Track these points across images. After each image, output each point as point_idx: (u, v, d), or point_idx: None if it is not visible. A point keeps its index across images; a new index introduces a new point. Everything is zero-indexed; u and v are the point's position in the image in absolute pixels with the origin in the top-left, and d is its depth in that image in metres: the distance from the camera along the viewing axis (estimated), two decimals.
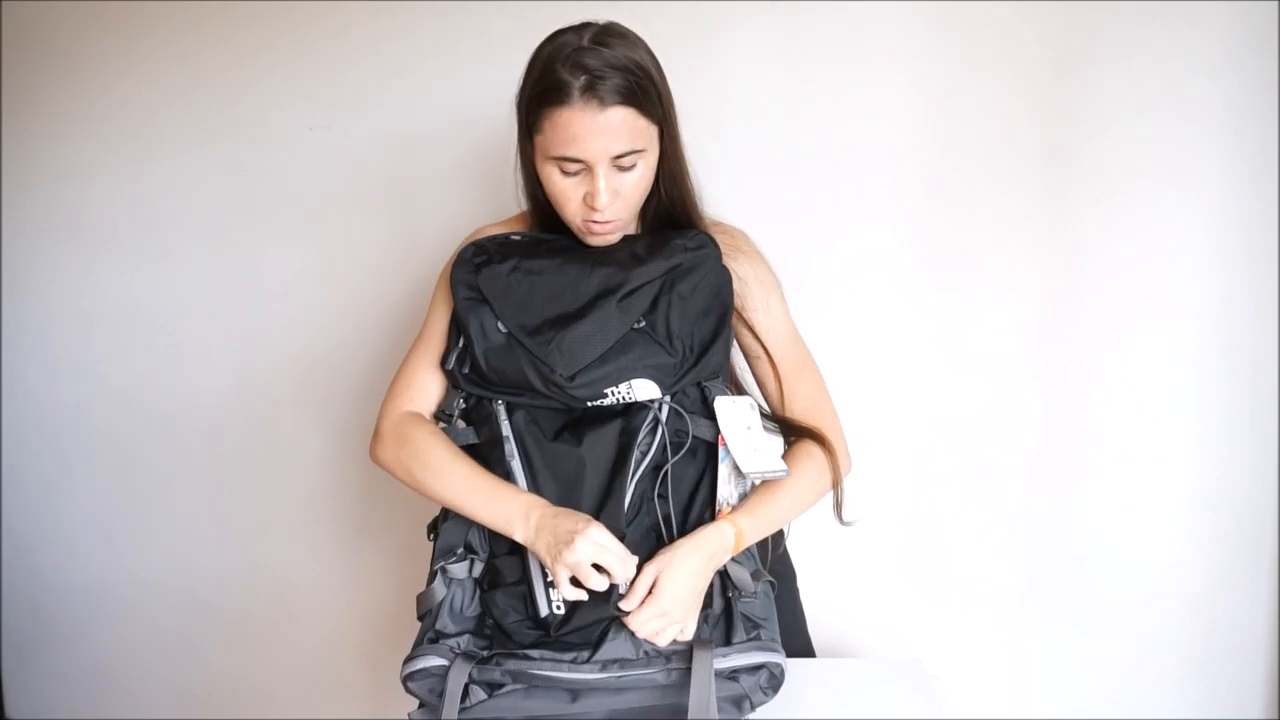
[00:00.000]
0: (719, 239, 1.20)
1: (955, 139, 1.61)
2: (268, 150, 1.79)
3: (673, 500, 1.04)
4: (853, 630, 1.76)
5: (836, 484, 1.20)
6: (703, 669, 0.97)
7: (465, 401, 1.09)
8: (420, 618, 1.07)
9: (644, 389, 1.01)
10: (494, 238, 1.11)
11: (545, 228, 1.18)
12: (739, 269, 1.19)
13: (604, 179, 1.07)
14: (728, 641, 1.02)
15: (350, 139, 1.76)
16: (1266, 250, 1.56)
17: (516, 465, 1.03)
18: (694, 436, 1.05)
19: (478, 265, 1.06)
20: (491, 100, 1.69)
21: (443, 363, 1.09)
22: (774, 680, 1.03)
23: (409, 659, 1.03)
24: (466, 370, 1.06)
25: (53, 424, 1.97)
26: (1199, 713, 1.71)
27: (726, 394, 1.07)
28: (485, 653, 1.02)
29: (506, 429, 1.04)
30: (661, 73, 1.11)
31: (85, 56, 1.81)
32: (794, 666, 1.22)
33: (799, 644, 1.35)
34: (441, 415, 1.09)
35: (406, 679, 1.03)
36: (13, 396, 1.97)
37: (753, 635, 1.03)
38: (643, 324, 1.02)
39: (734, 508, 1.09)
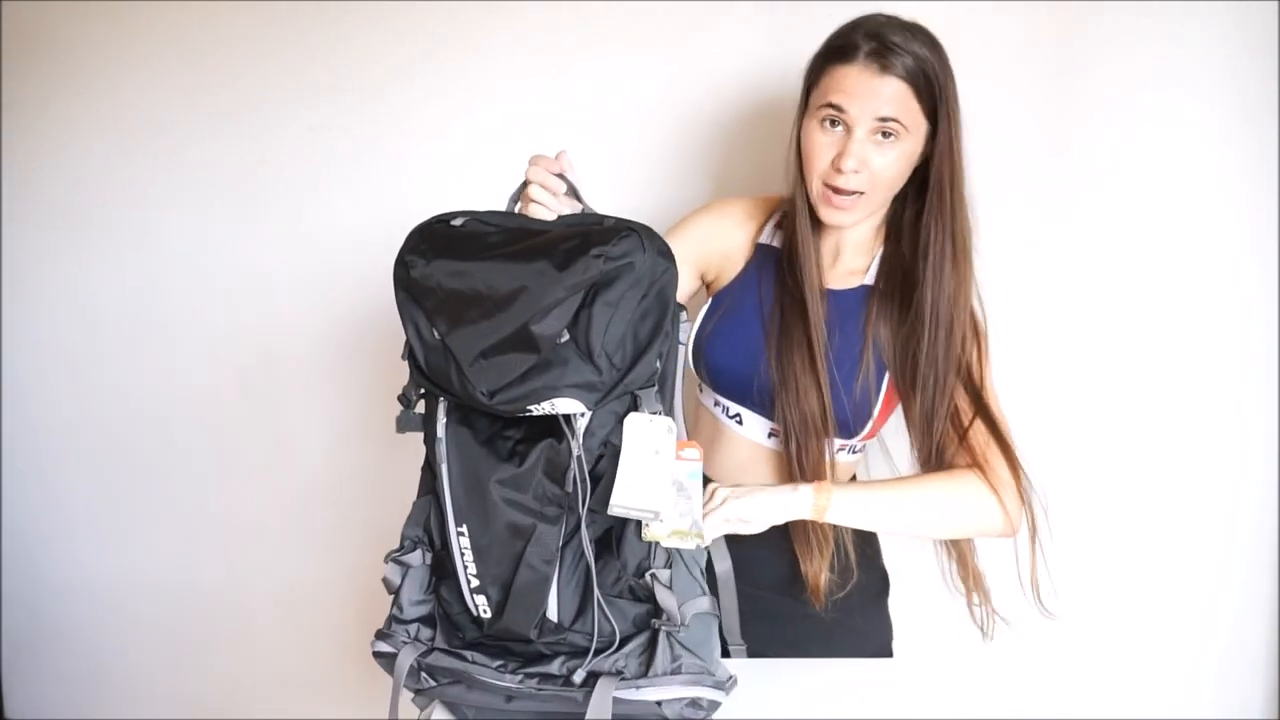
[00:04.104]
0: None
1: None
2: (268, 150, 1.79)
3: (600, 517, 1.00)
4: None
5: (1001, 533, 1.27)
6: (602, 700, 0.96)
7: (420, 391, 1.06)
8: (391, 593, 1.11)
9: (567, 405, 0.94)
10: (439, 220, 1.01)
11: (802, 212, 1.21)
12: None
13: (858, 142, 1.11)
14: (646, 673, 0.99)
15: (350, 139, 1.76)
16: (1267, 250, 1.56)
17: (444, 469, 1.00)
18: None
19: (408, 264, 0.99)
20: (492, 100, 1.70)
21: (402, 354, 1.04)
22: (700, 709, 1.00)
23: (375, 638, 1.09)
24: (420, 363, 1.02)
25: (53, 423, 1.97)
26: (1199, 713, 1.71)
27: (650, 408, 0.98)
28: (429, 645, 1.07)
29: (441, 429, 1.00)
30: (951, 84, 1.14)
31: (85, 56, 1.81)
32: (794, 667, 1.22)
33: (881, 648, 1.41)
34: (403, 399, 1.07)
35: (376, 656, 1.09)
36: (13, 396, 1.97)
37: (674, 668, 0.99)
38: (567, 338, 0.94)
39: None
